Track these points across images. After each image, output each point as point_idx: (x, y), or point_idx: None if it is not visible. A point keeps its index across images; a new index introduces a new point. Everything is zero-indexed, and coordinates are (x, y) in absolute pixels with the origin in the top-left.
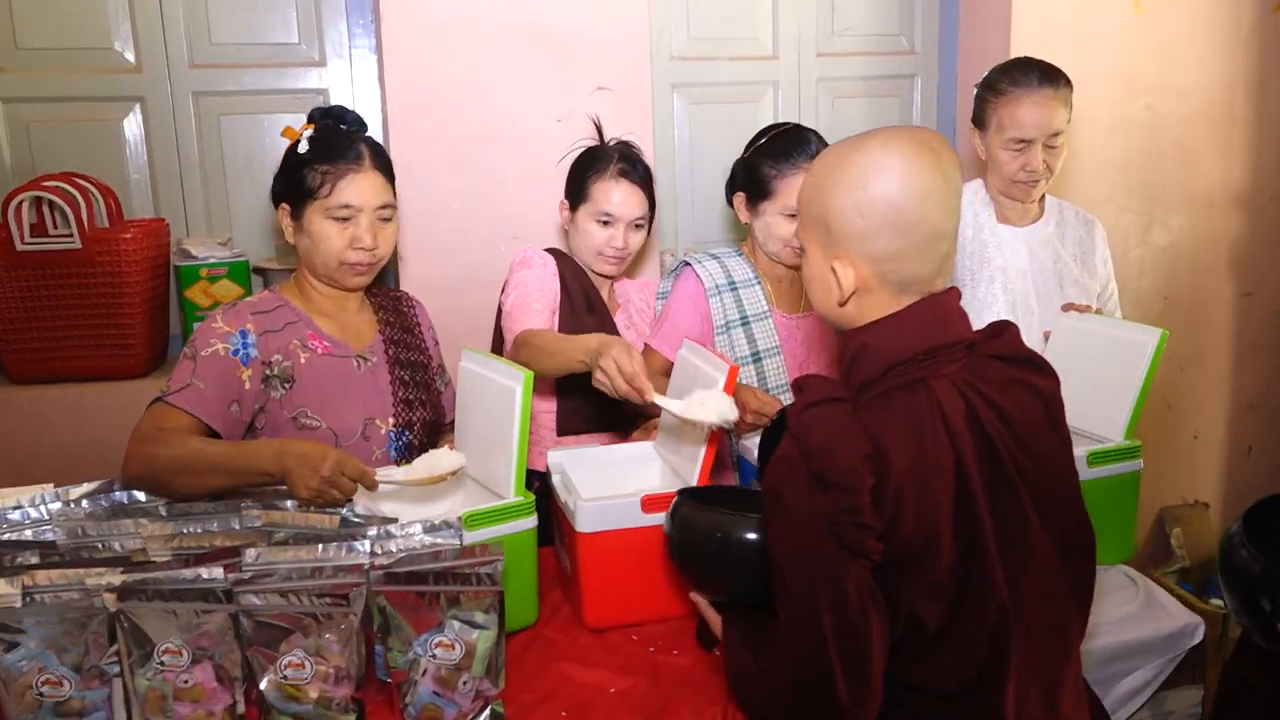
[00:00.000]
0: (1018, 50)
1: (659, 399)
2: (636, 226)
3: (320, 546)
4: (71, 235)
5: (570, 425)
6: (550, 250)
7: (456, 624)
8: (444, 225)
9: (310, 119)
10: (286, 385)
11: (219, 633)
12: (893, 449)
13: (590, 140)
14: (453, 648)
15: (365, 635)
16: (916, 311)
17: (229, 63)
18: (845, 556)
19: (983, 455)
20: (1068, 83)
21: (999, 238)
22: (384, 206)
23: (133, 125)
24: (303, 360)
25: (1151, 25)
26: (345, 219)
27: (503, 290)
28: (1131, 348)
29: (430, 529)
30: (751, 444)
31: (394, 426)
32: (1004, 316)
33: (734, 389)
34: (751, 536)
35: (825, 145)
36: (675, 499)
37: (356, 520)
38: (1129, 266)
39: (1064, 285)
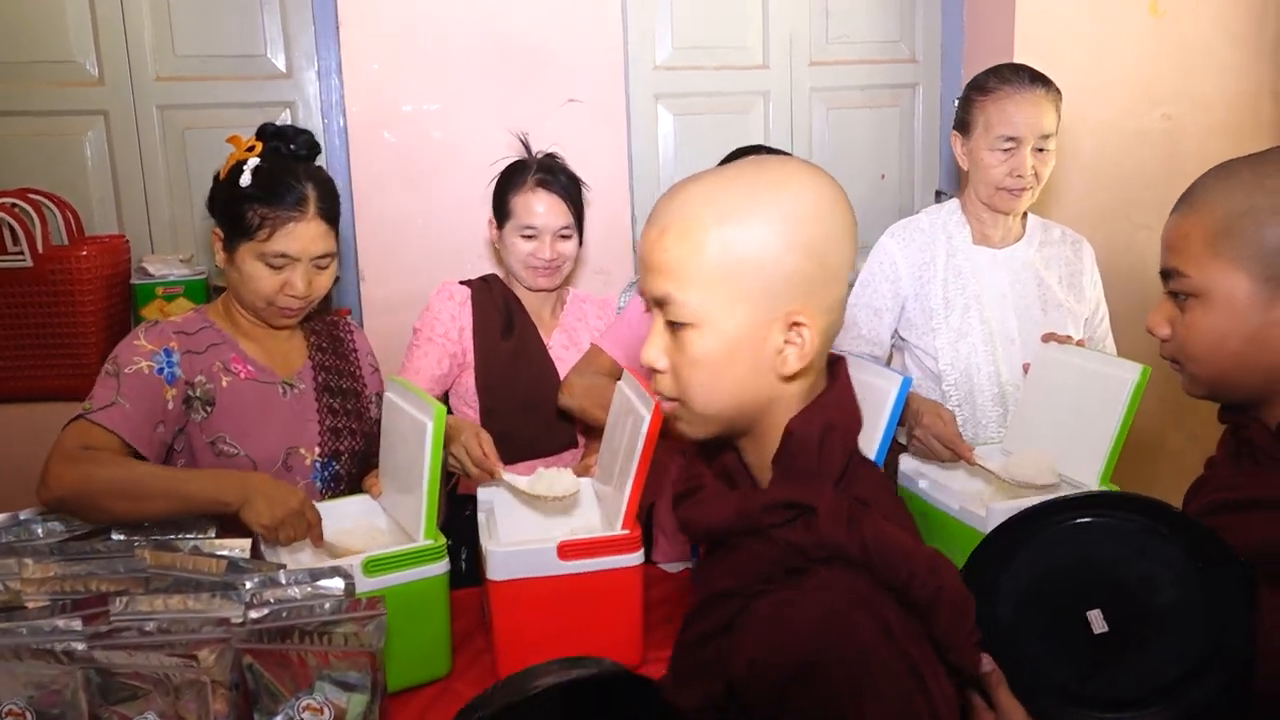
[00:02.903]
0: (1024, 56)
1: (508, 477)
2: (563, 236)
3: (193, 597)
4: (23, 254)
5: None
6: (483, 277)
7: (327, 686)
8: (407, 243)
9: (259, 136)
10: (207, 408)
11: (70, 692)
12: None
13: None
14: (321, 711)
15: (244, 693)
16: (844, 372)
17: (194, 75)
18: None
19: None
20: (1058, 90)
21: (975, 261)
22: (323, 256)
23: (96, 139)
24: (224, 384)
25: (1169, 30)
26: (280, 266)
27: None
28: (1111, 384)
29: (319, 576)
30: None
31: (319, 456)
32: (980, 346)
33: (659, 426)
34: None
35: None
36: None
37: (245, 566)
38: (1147, 287)
39: (1048, 310)
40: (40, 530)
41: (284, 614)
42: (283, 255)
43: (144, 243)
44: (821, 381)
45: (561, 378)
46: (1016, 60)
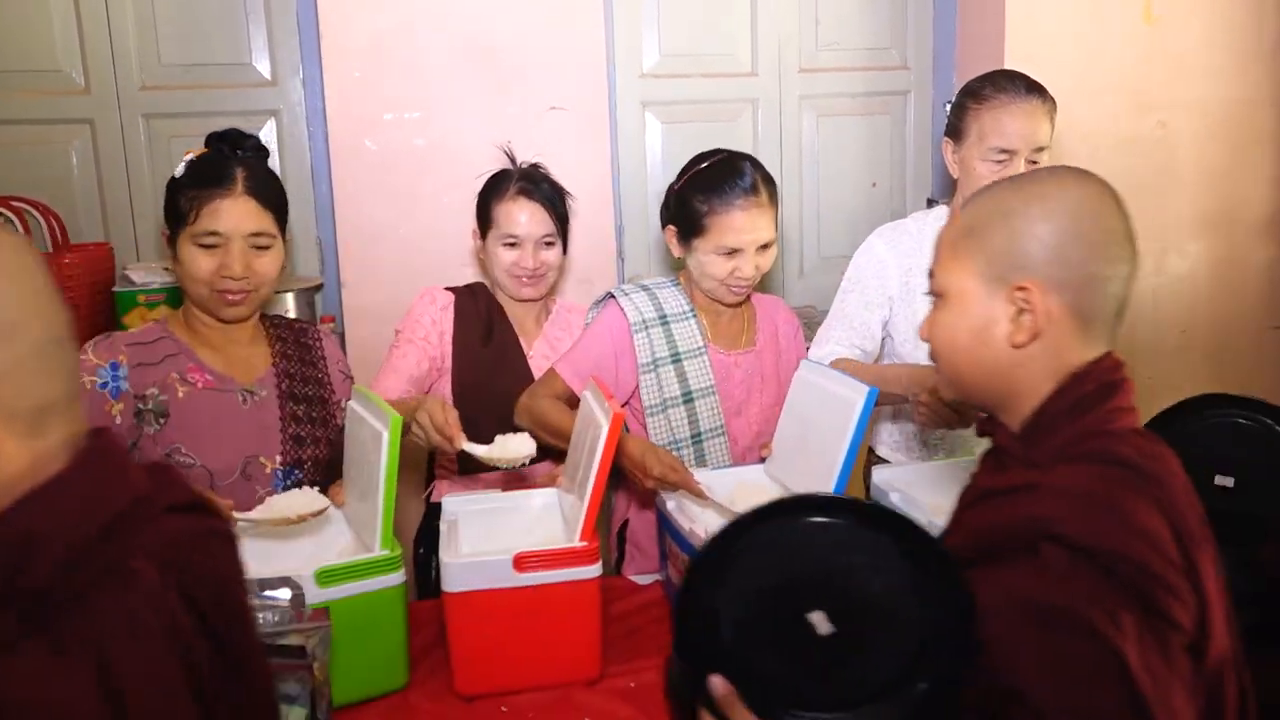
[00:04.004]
0: (1015, 62)
1: (466, 446)
2: (546, 244)
3: None
4: None
5: (469, 465)
6: (469, 285)
7: None
8: (388, 251)
9: (206, 143)
10: (160, 420)
11: None
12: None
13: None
14: None
15: None
16: (88, 459)
17: (179, 84)
18: None
19: (212, 648)
20: (1053, 100)
21: None
22: (258, 234)
23: (82, 148)
24: (180, 394)
25: (1163, 37)
26: (213, 246)
27: None
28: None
29: (268, 586)
30: (676, 506)
31: (281, 465)
32: None
33: (618, 436)
34: None
35: (765, 174)
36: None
37: None
38: (1142, 296)
39: None
40: None
41: None
42: (212, 233)
43: (129, 250)
44: (39, 465)
45: None
46: (1008, 67)
